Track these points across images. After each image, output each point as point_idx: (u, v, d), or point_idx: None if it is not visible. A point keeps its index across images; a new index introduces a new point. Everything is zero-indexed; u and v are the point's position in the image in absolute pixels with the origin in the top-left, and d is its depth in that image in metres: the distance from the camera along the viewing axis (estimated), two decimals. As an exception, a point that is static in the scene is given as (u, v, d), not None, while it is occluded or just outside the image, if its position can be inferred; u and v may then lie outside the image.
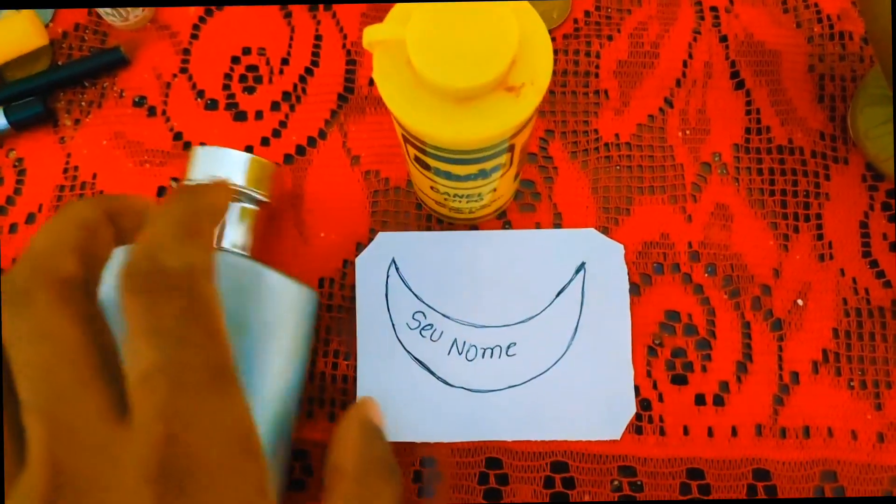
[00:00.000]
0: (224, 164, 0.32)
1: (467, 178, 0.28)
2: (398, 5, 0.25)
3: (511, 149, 0.27)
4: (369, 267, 0.35)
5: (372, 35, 0.24)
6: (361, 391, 0.34)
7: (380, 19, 0.40)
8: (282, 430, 0.29)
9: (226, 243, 0.32)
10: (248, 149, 0.38)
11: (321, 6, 0.40)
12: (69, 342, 0.18)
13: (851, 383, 0.34)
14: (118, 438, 0.17)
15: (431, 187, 0.31)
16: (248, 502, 0.18)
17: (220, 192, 0.22)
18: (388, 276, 0.35)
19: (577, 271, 0.35)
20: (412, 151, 0.28)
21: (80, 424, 0.17)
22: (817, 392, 0.34)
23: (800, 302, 0.35)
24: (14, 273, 0.19)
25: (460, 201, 0.32)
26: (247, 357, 0.27)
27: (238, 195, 0.32)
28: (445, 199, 0.32)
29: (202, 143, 0.32)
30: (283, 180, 0.37)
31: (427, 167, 0.28)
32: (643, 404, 0.34)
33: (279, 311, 0.29)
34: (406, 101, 0.24)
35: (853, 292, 0.35)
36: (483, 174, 0.28)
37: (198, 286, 0.19)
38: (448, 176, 0.28)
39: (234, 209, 0.32)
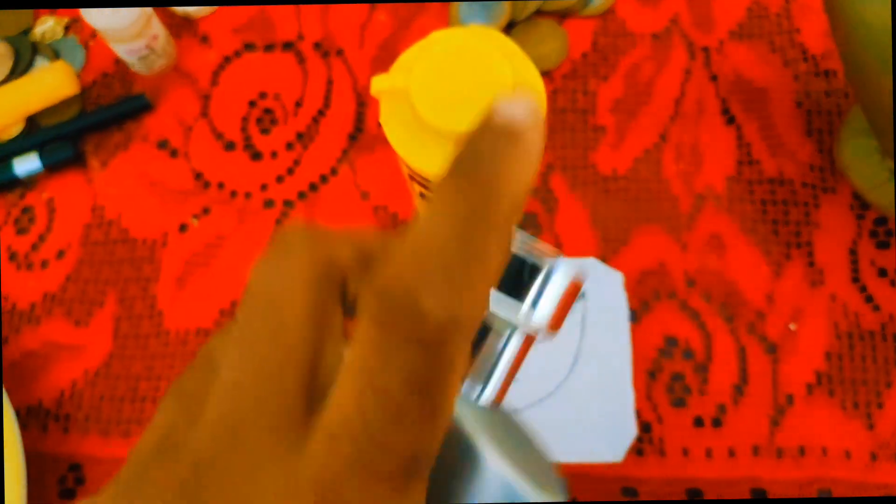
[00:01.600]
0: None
1: (469, 212, 0.30)
2: (401, 57, 0.27)
3: (510, 185, 0.29)
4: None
5: (379, 84, 0.26)
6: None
7: (387, 63, 0.42)
8: None
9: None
10: (264, 186, 0.41)
11: (333, 53, 0.43)
12: (295, 326, 0.15)
13: (844, 404, 0.35)
14: (290, 450, 0.14)
15: (437, 221, 0.33)
16: None
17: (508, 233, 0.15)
18: (397, 306, 0.37)
19: (578, 299, 0.37)
20: (417, 188, 0.30)
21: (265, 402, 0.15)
22: (811, 413, 0.35)
23: (793, 326, 0.36)
24: (296, 226, 0.16)
25: (464, 234, 0.34)
26: None
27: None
28: (450, 232, 0.34)
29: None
30: None
31: (432, 203, 0.30)
32: (644, 427, 0.35)
33: None
34: (410, 143, 0.26)
35: (844, 316, 0.36)
36: (484, 209, 0.30)
37: (448, 349, 0.14)
38: (451, 211, 0.30)
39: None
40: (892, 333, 0.36)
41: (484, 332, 0.18)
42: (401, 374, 0.13)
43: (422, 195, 0.30)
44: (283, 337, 0.15)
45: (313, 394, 0.15)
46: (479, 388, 0.16)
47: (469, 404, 0.16)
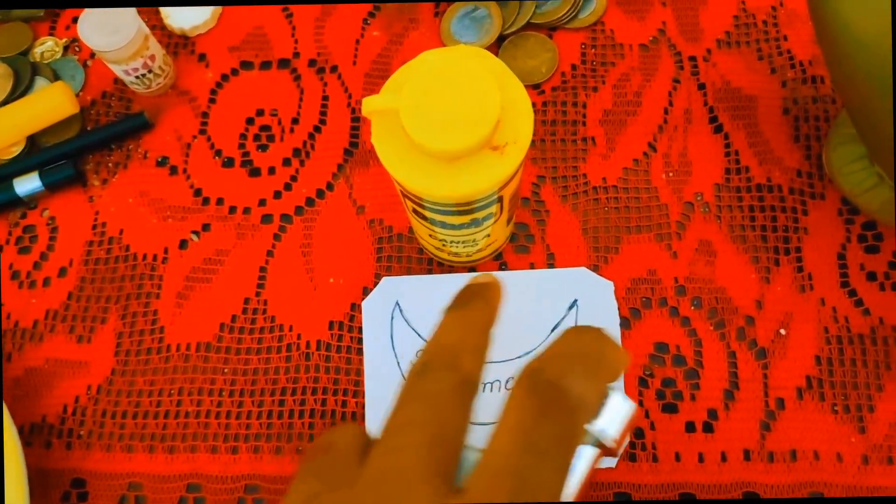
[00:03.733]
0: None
1: (461, 226, 0.31)
2: (391, 78, 0.28)
3: (500, 199, 0.30)
4: (375, 309, 0.38)
5: (369, 105, 0.27)
6: (370, 427, 0.36)
7: (381, 78, 0.43)
8: None
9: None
10: (262, 202, 0.41)
11: (328, 69, 0.44)
12: (448, 427, 0.20)
13: (835, 408, 0.35)
14: (451, 491, 0.18)
15: (430, 235, 0.34)
16: None
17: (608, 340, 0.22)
18: (392, 318, 0.38)
19: (570, 307, 0.38)
20: (410, 204, 0.30)
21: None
22: (803, 417, 0.35)
23: (782, 331, 0.37)
24: (428, 356, 0.22)
25: (457, 246, 0.34)
26: None
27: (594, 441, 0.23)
28: (444, 245, 0.35)
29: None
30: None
31: (424, 218, 0.31)
32: (636, 432, 0.36)
33: None
34: (402, 162, 0.27)
35: (833, 321, 0.37)
36: (476, 223, 0.31)
37: (577, 420, 0.20)
38: (443, 225, 0.31)
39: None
40: (882, 337, 0.37)
41: None
42: (548, 430, 0.18)
43: (414, 210, 0.31)
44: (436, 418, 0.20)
45: (455, 453, 0.20)
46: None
47: None
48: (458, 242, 0.34)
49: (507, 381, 0.36)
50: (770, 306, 0.37)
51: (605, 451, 0.23)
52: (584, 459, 0.22)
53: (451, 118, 0.26)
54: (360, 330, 0.38)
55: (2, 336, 0.40)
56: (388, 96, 0.27)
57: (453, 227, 0.31)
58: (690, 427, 0.35)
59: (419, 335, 0.37)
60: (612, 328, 0.37)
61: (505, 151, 0.27)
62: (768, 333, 0.37)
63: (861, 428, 0.35)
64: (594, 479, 0.35)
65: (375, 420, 0.36)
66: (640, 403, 0.36)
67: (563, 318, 0.37)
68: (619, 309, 0.37)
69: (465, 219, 0.30)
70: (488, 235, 0.34)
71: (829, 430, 0.35)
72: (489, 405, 0.36)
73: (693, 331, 0.37)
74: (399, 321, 0.38)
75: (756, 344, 0.37)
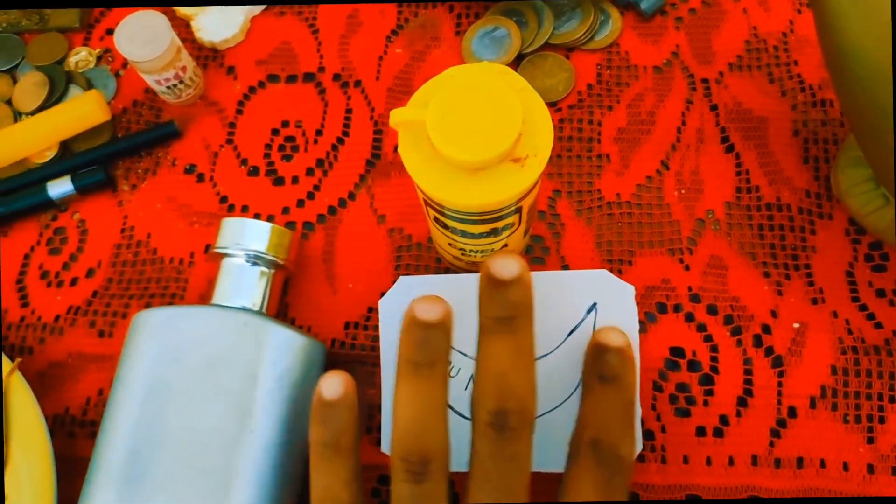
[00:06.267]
0: (247, 232, 0.36)
1: (481, 235, 0.32)
2: (419, 91, 0.29)
3: (519, 210, 0.31)
4: (391, 308, 0.39)
5: (397, 117, 0.28)
6: (385, 422, 0.37)
7: (403, 93, 0.45)
8: (286, 469, 0.33)
9: (245, 302, 0.36)
10: (285, 209, 0.43)
11: (352, 84, 0.46)
12: None
13: (847, 418, 0.36)
14: None
15: (449, 243, 0.35)
16: None
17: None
18: (409, 319, 0.39)
19: (589, 311, 0.38)
20: (432, 213, 0.32)
21: None
22: (813, 426, 0.36)
23: (799, 340, 0.38)
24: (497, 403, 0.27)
25: (475, 256, 0.36)
26: (258, 404, 0.32)
27: (257, 259, 0.36)
28: (462, 254, 0.36)
29: (228, 216, 0.38)
30: (299, 246, 0.41)
31: (445, 226, 0.32)
32: (647, 435, 0.36)
33: (287, 362, 0.33)
34: (426, 171, 0.28)
35: (847, 332, 0.38)
36: (495, 232, 0.32)
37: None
38: (463, 234, 0.32)
39: (254, 272, 0.36)
40: (896, 349, 0.37)
41: None
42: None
43: (436, 219, 0.32)
44: None
45: None
46: None
47: None
48: (476, 251, 0.35)
49: (520, 388, 0.37)
50: (785, 315, 0.38)
51: (280, 267, 0.37)
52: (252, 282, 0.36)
53: (475, 131, 0.27)
54: (374, 328, 0.39)
55: (15, 331, 0.41)
56: (415, 109, 0.28)
57: (473, 235, 0.32)
58: (701, 431, 0.36)
59: (436, 340, 0.38)
60: (632, 334, 0.37)
61: (525, 164, 0.28)
62: (784, 341, 0.38)
63: (870, 438, 0.36)
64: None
65: (391, 415, 0.37)
66: (653, 407, 0.37)
67: (581, 322, 0.38)
68: (638, 315, 0.38)
69: (486, 228, 0.31)
70: (506, 245, 0.35)
71: (837, 439, 0.36)
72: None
73: (709, 336, 0.38)
74: (416, 323, 0.38)
75: (773, 351, 0.37)
